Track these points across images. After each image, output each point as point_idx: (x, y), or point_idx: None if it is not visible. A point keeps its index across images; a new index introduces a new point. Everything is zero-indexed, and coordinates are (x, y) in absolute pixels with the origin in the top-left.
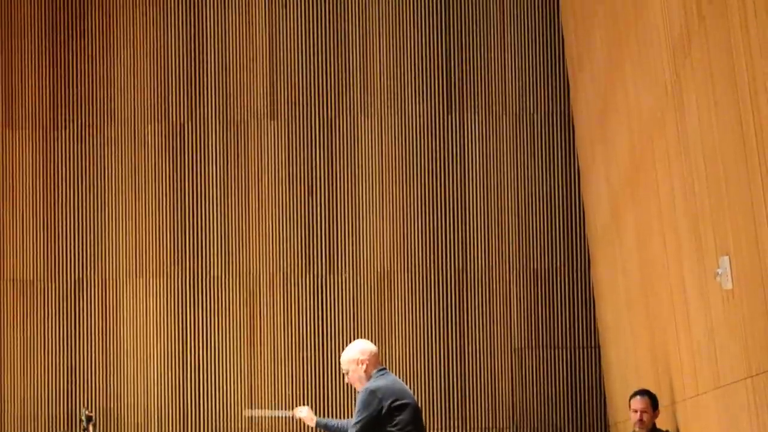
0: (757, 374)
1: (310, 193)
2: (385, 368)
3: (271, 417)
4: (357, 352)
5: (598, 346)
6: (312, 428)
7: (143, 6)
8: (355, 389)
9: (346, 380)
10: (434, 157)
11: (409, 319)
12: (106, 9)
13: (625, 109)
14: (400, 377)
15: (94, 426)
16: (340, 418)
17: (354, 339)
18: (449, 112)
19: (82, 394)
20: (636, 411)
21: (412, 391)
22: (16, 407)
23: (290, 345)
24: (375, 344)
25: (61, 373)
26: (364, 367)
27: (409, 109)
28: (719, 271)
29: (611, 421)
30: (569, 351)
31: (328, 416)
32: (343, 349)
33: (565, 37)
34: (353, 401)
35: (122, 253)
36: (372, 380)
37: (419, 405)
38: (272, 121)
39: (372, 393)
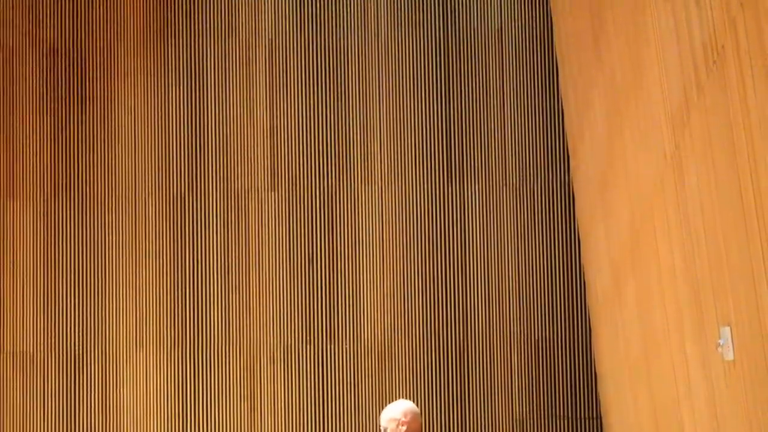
0: None
1: (310, 262)
2: None
3: None
4: (399, 412)
5: (599, 416)
6: None
7: (144, 77)
8: None
9: None
10: (434, 226)
11: (409, 389)
12: (107, 80)
13: (625, 179)
14: None
15: None
16: None
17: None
18: (449, 182)
19: None
20: None
21: None
22: None
23: (290, 415)
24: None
25: None
26: (405, 428)
27: (409, 179)
28: (720, 341)
29: None
30: (571, 421)
31: None
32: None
33: (564, 108)
34: None
35: (122, 326)
36: None
37: None
38: (272, 192)
39: None
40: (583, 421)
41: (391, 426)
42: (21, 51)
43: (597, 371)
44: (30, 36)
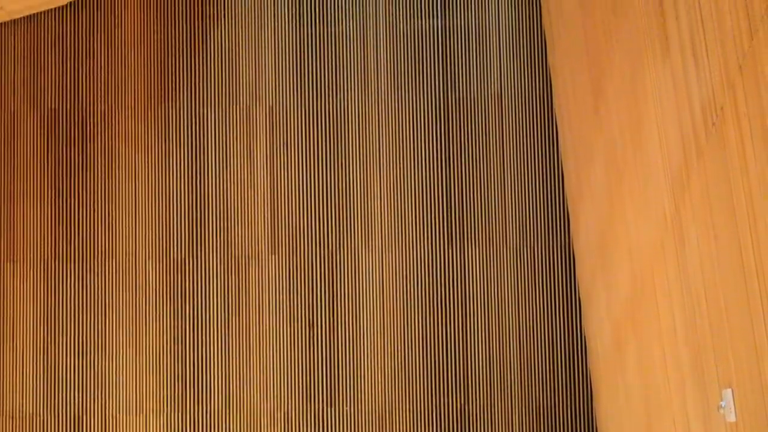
0: None
1: (310, 325)
2: None
3: None
4: None
5: None
6: None
7: (144, 141)
8: None
9: None
10: (434, 288)
11: None
12: (108, 144)
13: (626, 241)
14: None
15: None
16: None
17: None
18: (449, 243)
19: None
20: None
21: None
22: None
23: None
24: None
25: None
26: None
27: (409, 240)
28: (722, 404)
29: None
30: None
31: None
32: None
33: (564, 169)
34: None
35: (122, 388)
36: None
37: None
38: (272, 255)
39: None
40: None
41: None
42: (22, 113)
43: None
44: (31, 99)
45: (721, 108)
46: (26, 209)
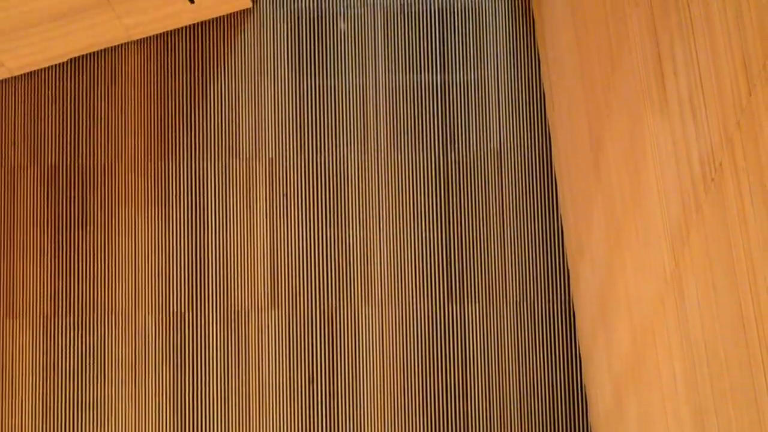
0: None
1: (310, 382)
2: None
3: None
4: None
5: None
6: None
7: (144, 196)
8: None
9: None
10: (434, 346)
11: None
12: (107, 199)
13: (625, 295)
14: None
15: None
16: None
17: None
18: (449, 301)
19: None
20: None
21: None
22: None
23: None
24: None
25: None
26: None
27: (409, 298)
28: None
29: None
30: None
31: None
32: None
33: (564, 226)
34: None
35: None
36: None
37: None
38: (272, 311)
39: None
40: None
41: None
42: (22, 168)
43: None
44: (31, 154)
45: (720, 164)
46: (26, 264)
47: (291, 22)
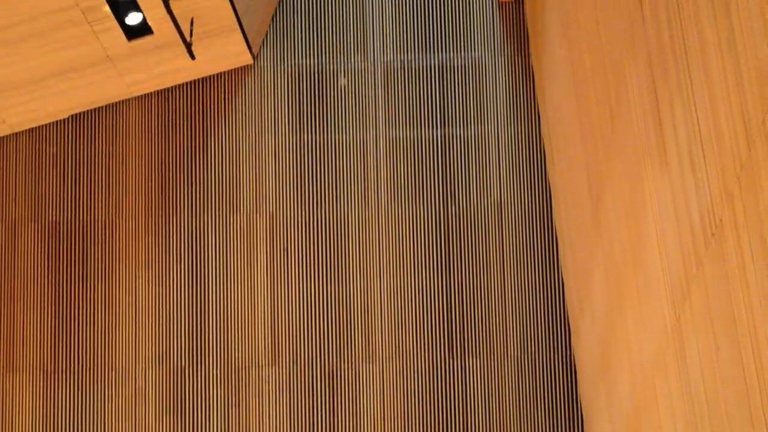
0: None
1: None
2: None
3: None
4: None
5: None
6: None
7: (145, 251)
8: None
9: None
10: (436, 401)
11: None
12: (108, 255)
13: (627, 350)
14: None
15: None
16: None
17: None
18: (450, 355)
19: None
20: None
21: None
22: None
23: None
24: None
25: None
26: None
27: (410, 352)
28: None
29: None
30: None
31: None
32: None
33: (564, 280)
34: None
35: None
36: None
37: None
38: (272, 367)
39: None
40: None
41: None
42: (23, 224)
43: None
44: (32, 210)
45: (720, 219)
46: (26, 319)
47: (291, 77)
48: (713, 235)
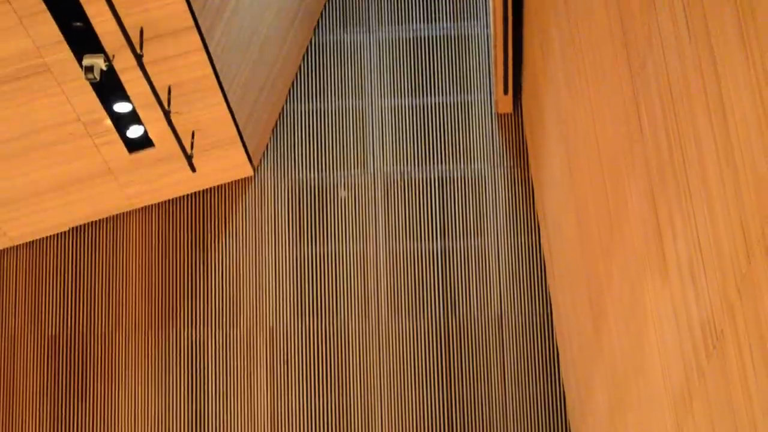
0: None
1: None
2: None
3: None
4: None
5: None
6: None
7: (144, 365)
8: None
9: None
10: None
11: None
12: (107, 367)
13: None
14: None
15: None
16: None
17: None
18: None
19: None
20: None
21: None
22: None
23: None
24: None
25: None
26: None
27: None
28: None
29: None
30: None
31: None
32: None
33: (566, 393)
34: None
35: None
36: None
37: None
38: None
39: None
40: None
41: None
42: (23, 337)
43: None
44: (32, 322)
45: (721, 331)
46: (27, 431)
47: (292, 189)
48: (714, 347)
